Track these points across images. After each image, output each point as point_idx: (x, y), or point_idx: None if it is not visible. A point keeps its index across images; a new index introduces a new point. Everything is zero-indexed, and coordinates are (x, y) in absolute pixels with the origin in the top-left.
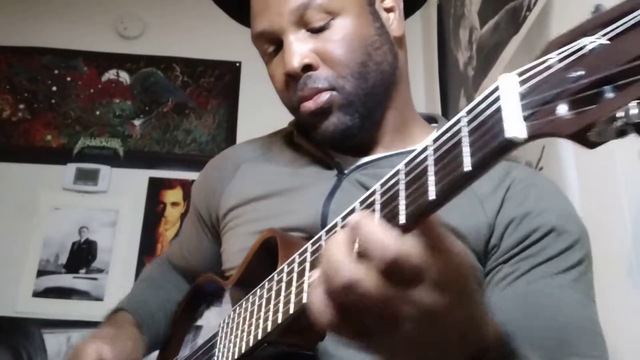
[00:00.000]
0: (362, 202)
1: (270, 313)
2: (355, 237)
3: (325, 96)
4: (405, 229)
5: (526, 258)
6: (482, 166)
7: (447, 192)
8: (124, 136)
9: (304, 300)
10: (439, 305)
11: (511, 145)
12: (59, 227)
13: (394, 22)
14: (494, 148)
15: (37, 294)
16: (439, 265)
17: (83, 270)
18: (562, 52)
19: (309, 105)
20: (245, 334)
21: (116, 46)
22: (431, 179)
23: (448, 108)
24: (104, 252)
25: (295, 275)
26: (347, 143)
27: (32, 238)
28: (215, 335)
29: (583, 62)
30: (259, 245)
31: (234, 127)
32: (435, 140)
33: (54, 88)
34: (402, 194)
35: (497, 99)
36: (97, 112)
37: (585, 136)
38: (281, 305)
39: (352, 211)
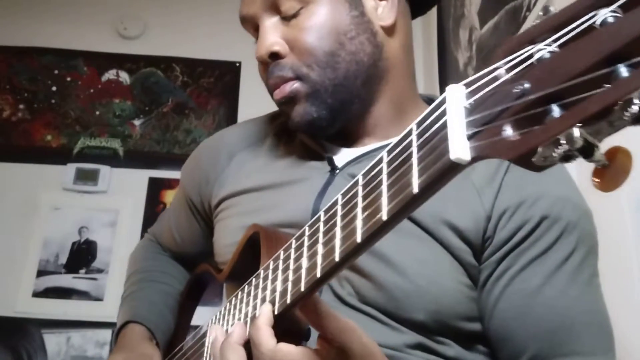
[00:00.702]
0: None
1: (252, 312)
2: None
3: (290, 86)
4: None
5: (520, 253)
6: (428, 188)
7: (398, 214)
8: (124, 136)
9: (288, 301)
10: None
11: (456, 166)
12: (59, 227)
13: (383, 10)
14: (439, 169)
15: (37, 294)
16: None
17: (83, 270)
18: (510, 60)
19: (277, 93)
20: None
21: (116, 46)
22: (384, 197)
23: None
24: (104, 252)
25: (279, 272)
26: (319, 134)
27: (32, 238)
28: (204, 334)
29: (530, 74)
30: (244, 241)
31: None
32: (389, 152)
33: (54, 88)
34: (359, 209)
35: (443, 113)
36: (97, 112)
37: (530, 160)
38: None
39: (335, 203)
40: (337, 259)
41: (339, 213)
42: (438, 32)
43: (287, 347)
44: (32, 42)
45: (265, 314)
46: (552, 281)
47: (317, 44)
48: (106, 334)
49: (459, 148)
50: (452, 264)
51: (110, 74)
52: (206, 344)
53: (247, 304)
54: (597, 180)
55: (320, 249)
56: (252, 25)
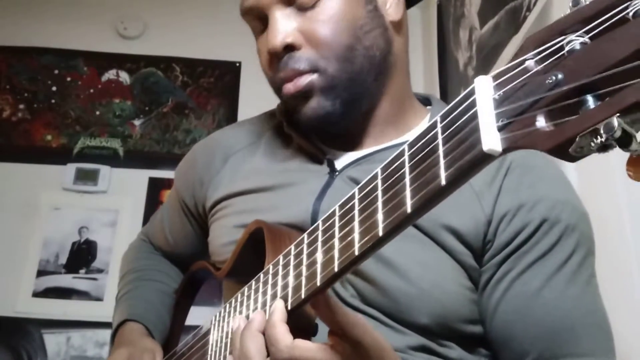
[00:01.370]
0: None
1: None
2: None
3: (306, 79)
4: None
5: (521, 256)
6: (457, 180)
7: (423, 207)
8: (124, 136)
9: (303, 296)
10: None
11: (487, 158)
12: (59, 227)
13: (391, 5)
14: (470, 160)
15: (37, 294)
16: None
17: (83, 271)
18: (540, 52)
19: (289, 87)
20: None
21: (116, 46)
22: (407, 190)
23: None
24: (104, 252)
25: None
26: (329, 130)
27: (32, 238)
28: (207, 332)
29: (562, 64)
30: (246, 237)
31: None
32: (411, 145)
33: (54, 88)
34: (379, 204)
35: (472, 105)
36: (97, 112)
37: (566, 151)
38: (268, 306)
39: (352, 197)
40: (356, 252)
41: (357, 207)
42: (438, 32)
43: (304, 344)
44: (32, 42)
45: (279, 309)
46: (552, 283)
47: (336, 37)
48: (106, 334)
49: (491, 139)
50: (454, 267)
51: (110, 74)
52: (210, 342)
53: (256, 300)
54: (631, 170)
55: (337, 243)
56: (256, 17)
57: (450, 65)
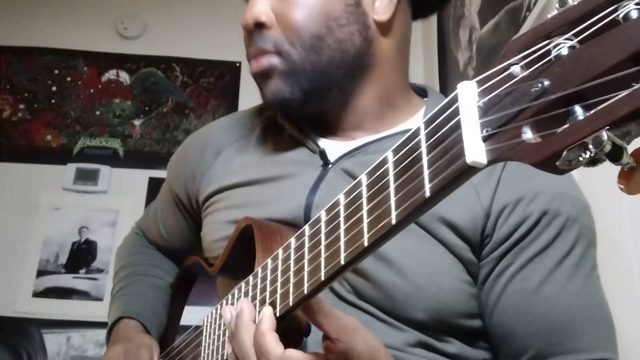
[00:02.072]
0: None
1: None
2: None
3: (268, 59)
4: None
5: (520, 250)
6: (441, 192)
7: (408, 218)
8: (124, 136)
9: (291, 304)
10: None
11: (471, 170)
12: (59, 227)
13: (380, 5)
14: (454, 172)
15: (37, 294)
16: None
17: (83, 270)
18: (526, 56)
19: (253, 65)
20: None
21: (116, 46)
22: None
23: None
24: (104, 252)
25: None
26: (293, 113)
27: (32, 238)
28: (200, 333)
29: (549, 71)
30: (237, 235)
31: None
32: (395, 152)
33: (54, 88)
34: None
35: (456, 113)
36: (97, 112)
37: (553, 164)
38: (257, 311)
39: (337, 204)
40: (342, 262)
41: (342, 214)
42: (438, 32)
43: (295, 354)
44: (32, 42)
45: (267, 317)
46: (553, 278)
47: (304, 23)
48: None
49: (475, 150)
50: (451, 262)
51: (110, 74)
52: (203, 340)
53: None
54: (623, 183)
55: (323, 251)
56: None
57: (450, 65)
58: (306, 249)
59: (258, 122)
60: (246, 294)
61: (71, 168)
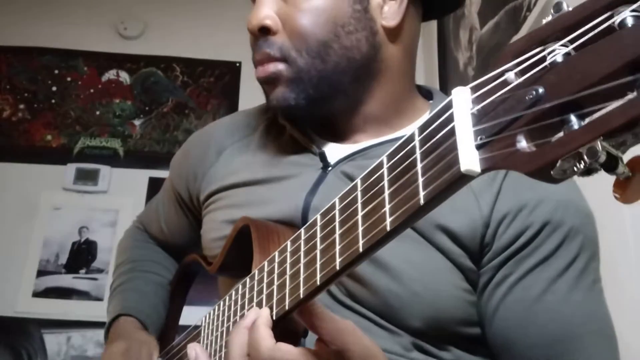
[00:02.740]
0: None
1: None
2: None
3: (274, 66)
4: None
5: (521, 260)
6: (435, 199)
7: (402, 225)
8: (124, 136)
9: (287, 307)
10: None
11: (466, 178)
12: (59, 227)
13: (389, 10)
14: (447, 180)
15: (37, 294)
16: None
17: (83, 270)
18: (521, 62)
19: (259, 71)
20: (227, 333)
21: (116, 46)
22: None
23: None
24: (104, 252)
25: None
26: (299, 119)
27: (32, 238)
28: (199, 333)
29: (544, 78)
30: (235, 234)
31: None
32: (390, 157)
33: (54, 88)
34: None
35: (450, 120)
36: (97, 112)
37: (548, 174)
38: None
39: (332, 208)
40: (337, 267)
41: (337, 219)
42: (438, 32)
43: (286, 347)
44: (32, 42)
45: (264, 316)
46: (554, 289)
47: (311, 29)
48: None
49: (469, 159)
50: (449, 269)
51: (110, 74)
52: (201, 340)
53: (243, 306)
54: (618, 192)
55: (318, 255)
56: None
57: (450, 65)
58: (302, 253)
59: (260, 122)
60: (243, 296)
61: (71, 168)
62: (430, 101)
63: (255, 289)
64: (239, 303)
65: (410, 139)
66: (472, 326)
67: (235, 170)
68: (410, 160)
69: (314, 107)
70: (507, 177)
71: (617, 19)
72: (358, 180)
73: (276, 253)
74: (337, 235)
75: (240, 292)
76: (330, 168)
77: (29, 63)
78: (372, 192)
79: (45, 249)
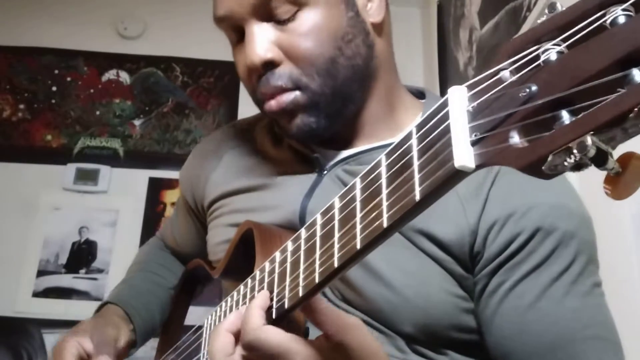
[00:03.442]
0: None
1: None
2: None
3: (288, 96)
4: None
5: (514, 267)
6: (431, 196)
7: (399, 222)
8: (124, 136)
9: (286, 305)
10: None
11: (460, 174)
12: (59, 227)
13: (372, 7)
14: (442, 176)
15: (36, 294)
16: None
17: (83, 270)
18: (516, 61)
19: (272, 105)
20: None
21: (116, 46)
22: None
23: None
24: (104, 252)
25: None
26: (316, 140)
27: (32, 238)
28: (201, 334)
29: (537, 76)
30: (239, 237)
31: None
32: (388, 155)
33: (54, 88)
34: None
35: (446, 117)
36: (97, 112)
37: (540, 169)
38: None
39: (332, 207)
40: (336, 264)
41: (337, 217)
42: (438, 32)
43: (273, 329)
44: (32, 42)
45: (261, 296)
46: (548, 295)
47: (317, 50)
48: None
49: (464, 155)
50: (441, 275)
51: (110, 74)
52: (203, 341)
53: (244, 305)
54: (608, 188)
55: (318, 253)
56: (230, 27)
57: (450, 65)
58: (302, 252)
59: (257, 129)
60: (244, 296)
61: (71, 168)
62: (423, 100)
63: (257, 288)
64: (241, 303)
65: (408, 136)
66: (466, 332)
67: (236, 177)
68: (407, 157)
69: (332, 123)
70: (495, 185)
71: (608, 18)
72: (357, 179)
73: (277, 253)
74: (336, 234)
75: (242, 292)
76: (325, 172)
77: (29, 63)
78: (370, 190)
79: (45, 249)
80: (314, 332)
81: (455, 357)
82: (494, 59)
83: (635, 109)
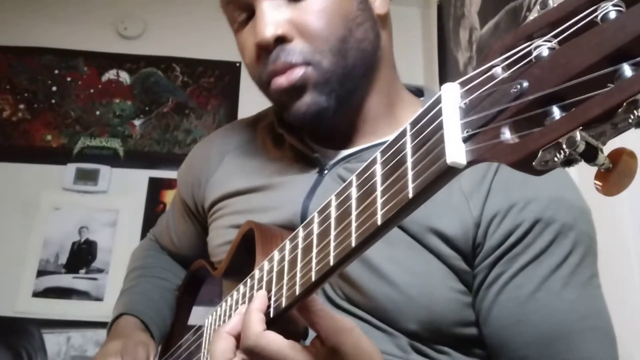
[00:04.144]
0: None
1: None
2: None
3: (299, 72)
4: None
5: (513, 258)
6: (424, 192)
7: (393, 219)
8: (124, 136)
9: (283, 304)
10: None
11: (452, 171)
12: (59, 227)
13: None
14: (434, 173)
15: (36, 294)
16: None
17: (83, 270)
18: (508, 58)
19: (281, 81)
20: None
21: (116, 46)
22: (379, 201)
23: None
24: (104, 252)
25: (274, 274)
26: (321, 126)
27: (32, 238)
28: (201, 334)
29: (528, 72)
30: (240, 238)
31: None
32: (383, 152)
33: (54, 88)
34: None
35: (439, 114)
36: (97, 112)
37: (530, 165)
38: None
39: (329, 205)
40: (331, 263)
41: (333, 215)
42: (438, 32)
43: (273, 335)
44: (32, 42)
45: (259, 298)
46: (547, 286)
47: (330, 29)
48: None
49: (455, 151)
50: (443, 272)
51: (110, 74)
52: (204, 340)
53: (244, 304)
54: (599, 183)
55: (314, 252)
56: (240, 7)
57: (450, 65)
58: (299, 251)
59: (260, 128)
60: (244, 296)
61: (71, 168)
62: (422, 98)
63: (255, 287)
64: (240, 302)
65: (403, 133)
66: (467, 327)
67: (237, 178)
68: (401, 155)
69: (340, 106)
70: (497, 177)
71: (599, 14)
72: (353, 177)
73: (275, 252)
74: (332, 232)
75: (241, 291)
76: (326, 171)
77: (29, 63)
78: (365, 187)
79: (45, 249)
80: (313, 332)
81: (456, 356)
82: (487, 55)
83: (625, 104)
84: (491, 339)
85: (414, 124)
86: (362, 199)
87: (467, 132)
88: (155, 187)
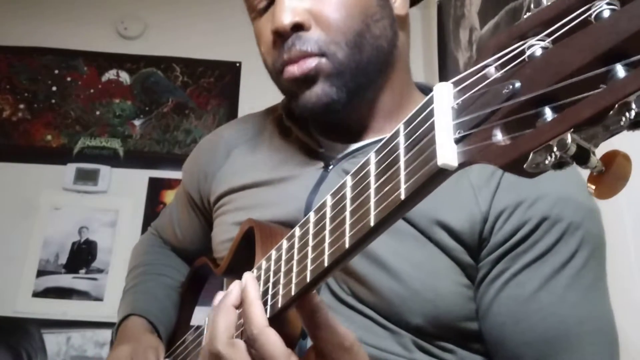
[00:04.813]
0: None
1: None
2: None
3: (312, 62)
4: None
5: (518, 255)
6: (416, 194)
7: (385, 220)
8: (124, 136)
9: (279, 305)
10: None
11: (443, 172)
12: (59, 227)
13: (397, 0)
14: (426, 175)
15: (36, 294)
16: None
17: (83, 270)
18: (501, 57)
19: (293, 70)
20: None
21: (116, 46)
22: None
23: None
24: (104, 252)
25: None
26: (329, 118)
27: (32, 238)
28: (201, 333)
29: (521, 72)
30: (241, 236)
31: None
32: (377, 152)
33: (54, 88)
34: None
35: (431, 114)
36: (97, 112)
37: (521, 167)
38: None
39: (324, 205)
40: (326, 263)
41: (328, 215)
42: (438, 32)
43: (274, 336)
44: (32, 42)
45: (252, 285)
46: (549, 286)
47: (347, 21)
48: (106, 334)
49: (447, 153)
50: (448, 265)
51: (110, 74)
52: (204, 333)
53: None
54: (592, 186)
55: (310, 252)
56: None
57: (450, 65)
58: (295, 250)
59: (267, 123)
60: None
61: (71, 168)
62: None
63: (262, 277)
64: None
65: (396, 134)
66: (473, 321)
67: (243, 172)
68: (395, 155)
69: (350, 101)
70: (506, 172)
71: (593, 12)
72: (348, 177)
73: (273, 251)
74: (327, 232)
75: None
76: (331, 166)
77: (29, 63)
78: (360, 187)
79: (45, 249)
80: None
81: (461, 354)
82: (480, 55)
83: (616, 106)
84: (489, 334)
85: (407, 123)
86: (356, 199)
87: (459, 133)
88: (155, 187)
